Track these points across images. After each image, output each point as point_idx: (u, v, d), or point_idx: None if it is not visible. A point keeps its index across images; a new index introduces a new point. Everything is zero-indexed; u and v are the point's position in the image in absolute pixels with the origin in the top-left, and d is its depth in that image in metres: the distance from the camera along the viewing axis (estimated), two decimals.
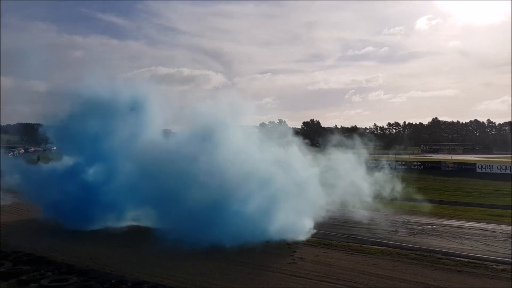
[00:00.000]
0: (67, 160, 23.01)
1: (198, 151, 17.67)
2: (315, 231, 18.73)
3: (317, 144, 25.22)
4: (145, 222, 19.48)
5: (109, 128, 20.49)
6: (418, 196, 25.68)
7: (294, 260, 15.08)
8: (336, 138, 24.42)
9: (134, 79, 22.77)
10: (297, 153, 20.45)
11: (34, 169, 23.42)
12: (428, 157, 78.03)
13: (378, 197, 22.17)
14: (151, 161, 18.07)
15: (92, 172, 20.59)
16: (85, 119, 20.38)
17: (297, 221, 18.25)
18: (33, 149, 76.33)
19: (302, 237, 17.77)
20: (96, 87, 21.22)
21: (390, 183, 23.03)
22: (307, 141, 22.26)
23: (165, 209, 17.34)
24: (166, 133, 22.85)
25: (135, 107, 21.06)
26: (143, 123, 21.04)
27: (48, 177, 20.89)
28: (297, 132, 23.35)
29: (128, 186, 18.96)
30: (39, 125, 22.79)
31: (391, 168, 25.38)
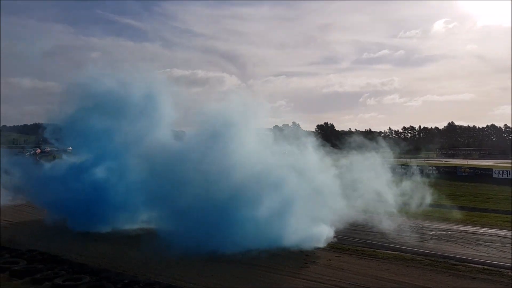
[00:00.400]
0: (73, 159, 23.05)
1: (208, 153, 17.41)
2: (335, 239, 18.11)
3: (334, 146, 24.81)
4: (155, 224, 19.23)
5: (119, 126, 20.36)
6: (433, 202, 25.36)
7: (306, 263, 15.02)
8: (354, 140, 24.04)
9: (147, 76, 22.30)
10: (313, 156, 19.93)
11: (41, 169, 23.38)
12: (444, 162, 77.23)
13: (394, 202, 21.82)
14: (160, 161, 17.86)
15: (101, 172, 20.44)
16: (94, 115, 20.36)
17: (313, 228, 17.70)
18: (49, 149, 77.01)
19: (319, 245, 17.20)
20: (107, 83, 21.16)
21: (406, 188, 22.65)
22: (325, 143, 21.81)
23: (175, 211, 17.03)
24: (180, 134, 22.60)
25: (147, 105, 20.85)
26: (154, 122, 20.83)
27: (54, 177, 20.71)
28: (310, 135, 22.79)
29: (137, 186, 18.77)
30: (53, 125, 22.94)
31: (408, 172, 24.96)
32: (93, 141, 20.81)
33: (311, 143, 20.56)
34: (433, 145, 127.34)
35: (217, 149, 17.51)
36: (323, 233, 17.78)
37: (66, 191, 19.24)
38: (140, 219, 20.20)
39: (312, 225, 17.77)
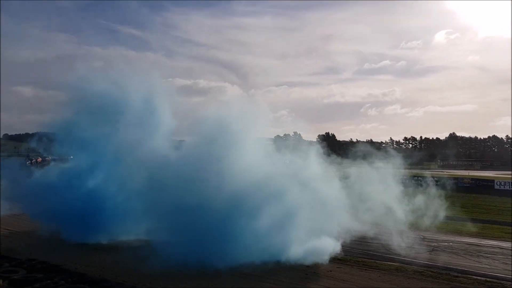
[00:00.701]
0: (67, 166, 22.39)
1: (205, 161, 16.84)
2: (342, 253, 17.47)
3: (341, 156, 24.39)
4: (153, 235, 18.17)
5: (114, 132, 19.78)
6: (435, 213, 25.18)
7: (307, 275, 14.92)
8: (360, 150, 23.76)
9: (146, 80, 21.70)
10: (317, 166, 19.40)
11: (32, 177, 22.74)
12: (446, 173, 77.05)
13: (397, 213, 21.58)
14: (156, 170, 17.28)
15: (96, 180, 19.84)
16: (88, 120, 19.96)
17: (317, 241, 17.06)
18: (50, 157, 76.73)
19: (323, 259, 16.44)
20: (103, 86, 20.65)
21: (411, 199, 22.37)
22: (331, 152, 21.34)
23: (171, 222, 16.31)
24: (180, 144, 21.40)
25: (144, 110, 20.28)
26: (151, 129, 20.15)
27: (47, 187, 20.01)
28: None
29: (133, 196, 18.23)
30: (42, 133, 22.53)
31: (410, 183, 24.66)
32: (86, 148, 20.35)
33: (316, 152, 20.00)
34: (450, 150, 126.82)
35: (215, 158, 16.96)
36: (328, 247, 17.07)
37: (59, 201, 18.74)
38: (139, 230, 19.44)
39: (316, 239, 17.20)
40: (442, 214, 25.43)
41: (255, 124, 19.33)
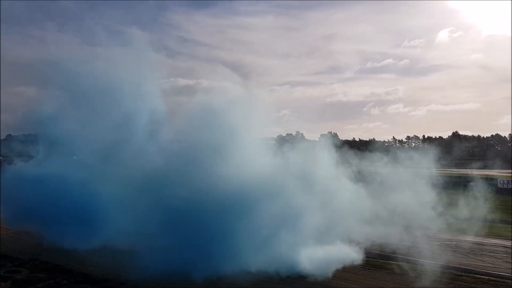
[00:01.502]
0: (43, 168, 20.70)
1: (197, 163, 15.85)
2: (361, 261, 16.29)
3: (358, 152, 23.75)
4: (144, 238, 16.51)
5: (96, 129, 18.74)
6: (438, 211, 25.08)
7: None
8: (377, 149, 23.36)
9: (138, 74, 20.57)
10: (327, 165, 18.34)
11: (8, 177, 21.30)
12: (448, 172, 76.85)
13: (398, 212, 21.32)
14: (147, 172, 16.29)
15: (82, 183, 18.47)
16: (68, 111, 19.27)
17: (327, 249, 15.93)
18: None
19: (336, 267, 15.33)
20: (92, 75, 19.87)
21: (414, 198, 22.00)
22: (339, 148, 20.55)
23: (163, 224, 15.19)
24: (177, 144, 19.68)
25: (133, 103, 19.21)
26: (141, 126, 18.95)
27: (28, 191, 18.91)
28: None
29: (122, 199, 17.09)
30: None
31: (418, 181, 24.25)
32: (67, 146, 19.68)
33: (325, 150, 18.92)
34: (453, 149, 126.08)
35: (208, 156, 15.92)
36: (340, 257, 15.86)
37: (41, 202, 18.15)
38: (136, 232, 17.26)
39: (326, 247, 16.12)
40: (445, 213, 25.27)
41: (254, 121, 18.31)
